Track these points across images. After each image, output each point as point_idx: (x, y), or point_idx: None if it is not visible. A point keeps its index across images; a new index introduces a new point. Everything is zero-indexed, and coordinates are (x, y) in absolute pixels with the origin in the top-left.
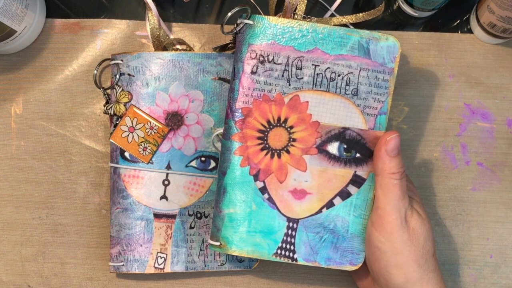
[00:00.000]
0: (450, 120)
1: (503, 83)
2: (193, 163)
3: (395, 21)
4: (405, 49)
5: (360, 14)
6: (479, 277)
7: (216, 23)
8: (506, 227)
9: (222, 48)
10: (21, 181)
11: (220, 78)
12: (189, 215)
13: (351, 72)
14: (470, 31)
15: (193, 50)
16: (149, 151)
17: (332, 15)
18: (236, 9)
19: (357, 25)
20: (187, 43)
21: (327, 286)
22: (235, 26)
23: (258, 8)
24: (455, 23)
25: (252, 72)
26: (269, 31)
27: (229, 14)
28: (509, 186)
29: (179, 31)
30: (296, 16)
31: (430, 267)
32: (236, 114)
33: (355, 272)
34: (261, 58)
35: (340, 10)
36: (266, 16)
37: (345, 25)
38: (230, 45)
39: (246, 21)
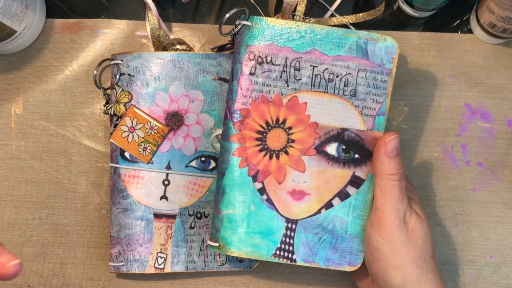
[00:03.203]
0: (450, 120)
1: (503, 83)
2: (193, 163)
3: (395, 21)
4: (405, 49)
5: (360, 14)
6: (479, 277)
7: (216, 23)
8: (506, 227)
9: (220, 49)
10: (21, 181)
11: (220, 78)
12: (189, 215)
13: (349, 73)
14: (470, 31)
15: (193, 50)
16: (149, 151)
17: (332, 15)
18: (234, 10)
19: (357, 25)
20: (187, 43)
21: (327, 286)
22: (234, 27)
23: (258, 8)
24: (455, 23)
25: (251, 73)
26: (267, 32)
27: (227, 15)
28: (509, 186)
29: (179, 31)
30: (295, 17)
31: (429, 268)
32: (235, 115)
33: (354, 273)
34: (259, 59)
35: (340, 10)
36: (264, 17)
37: (345, 26)
38: (228, 45)
39: (244, 22)
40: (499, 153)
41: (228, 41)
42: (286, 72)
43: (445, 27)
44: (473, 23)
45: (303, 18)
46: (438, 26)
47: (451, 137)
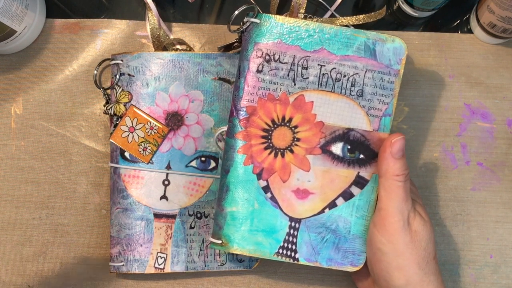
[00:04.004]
0: (450, 120)
1: (503, 83)
2: (193, 163)
3: (395, 21)
4: None
5: (361, 16)
6: (479, 277)
7: (216, 23)
8: (506, 227)
9: (227, 48)
10: (21, 181)
11: (220, 78)
12: (189, 215)
13: (357, 73)
14: (470, 31)
15: (193, 50)
16: (149, 151)
17: (332, 15)
18: (244, 7)
19: (358, 26)
20: (187, 43)
21: (327, 286)
22: (242, 24)
23: (258, 9)
24: (455, 23)
25: (258, 71)
26: (276, 30)
27: (236, 12)
28: (509, 186)
29: (179, 31)
30: (299, 15)
31: (431, 270)
32: (241, 112)
33: (356, 273)
34: (267, 57)
35: (340, 10)
36: (273, 15)
37: (346, 26)
38: (236, 44)
39: (253, 19)
40: (499, 153)
41: (235, 39)
42: (294, 70)
43: (445, 27)
44: (473, 23)
45: (309, 17)
46: (438, 26)
47: (451, 137)
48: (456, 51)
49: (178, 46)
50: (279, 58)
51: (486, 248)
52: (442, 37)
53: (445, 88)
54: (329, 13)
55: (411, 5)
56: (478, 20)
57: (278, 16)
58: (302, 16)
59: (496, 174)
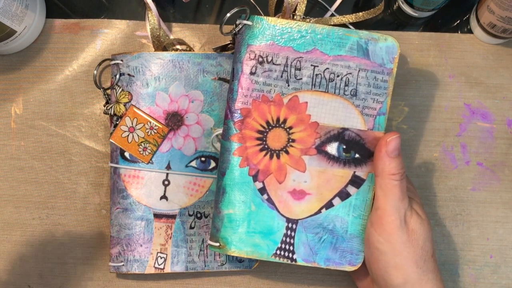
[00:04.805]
0: (450, 120)
1: (503, 83)
2: (193, 163)
3: (395, 21)
4: (405, 49)
5: (360, 13)
6: (479, 277)
7: (216, 23)
8: (506, 227)
9: (223, 48)
10: (21, 181)
11: (220, 78)
12: (189, 215)
13: (350, 73)
14: (470, 31)
15: (193, 50)
16: (149, 151)
17: (332, 15)
18: (235, 9)
19: (357, 25)
20: (187, 43)
21: (327, 286)
22: (234, 26)
23: (258, 8)
24: (455, 23)
25: (251, 73)
26: (268, 32)
27: (228, 14)
28: (509, 186)
29: (179, 31)
30: (295, 17)
31: (429, 268)
32: (235, 114)
33: (355, 273)
34: (260, 59)
35: (340, 10)
36: (265, 17)
37: (344, 25)
38: (230, 45)
39: (245, 21)
40: (499, 153)
41: (230, 41)
42: (287, 71)
43: (445, 27)
44: (473, 23)
45: (303, 18)
46: (438, 26)
47: (451, 137)
48: (456, 51)
49: (178, 46)
50: (272, 59)
51: (486, 248)
52: (442, 37)
53: (445, 88)
54: (329, 13)
55: (411, 5)
56: (478, 20)
57: (270, 18)
58: (300, 18)
59: (496, 174)
